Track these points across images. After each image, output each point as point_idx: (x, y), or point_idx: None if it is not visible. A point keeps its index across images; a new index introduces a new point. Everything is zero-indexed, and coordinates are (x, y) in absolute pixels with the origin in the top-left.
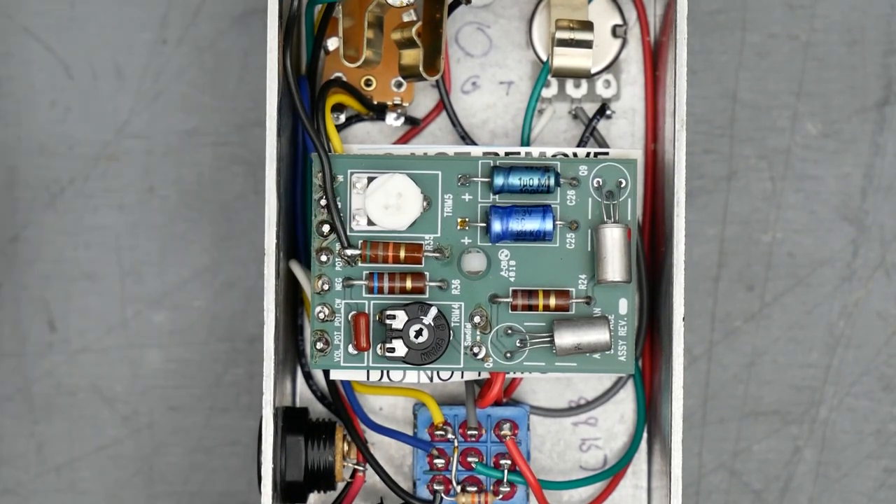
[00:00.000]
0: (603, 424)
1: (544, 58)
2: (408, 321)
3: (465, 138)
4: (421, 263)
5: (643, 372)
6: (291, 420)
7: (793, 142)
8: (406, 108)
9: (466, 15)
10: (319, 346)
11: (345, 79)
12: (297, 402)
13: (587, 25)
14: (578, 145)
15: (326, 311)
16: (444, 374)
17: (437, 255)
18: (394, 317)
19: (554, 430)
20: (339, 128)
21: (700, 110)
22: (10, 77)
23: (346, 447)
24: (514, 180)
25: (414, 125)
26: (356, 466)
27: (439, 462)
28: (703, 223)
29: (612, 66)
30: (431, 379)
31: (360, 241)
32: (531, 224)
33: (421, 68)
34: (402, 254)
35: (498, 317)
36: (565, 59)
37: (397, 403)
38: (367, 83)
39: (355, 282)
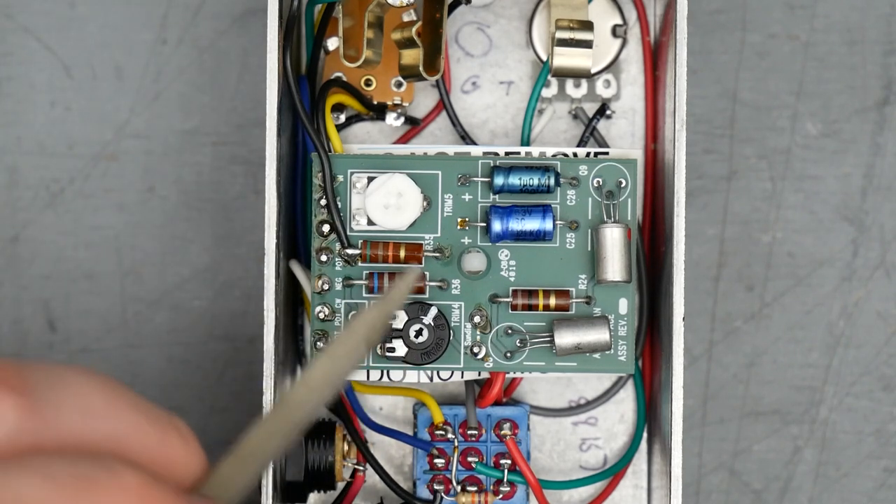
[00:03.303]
0: (603, 424)
1: (544, 58)
2: (408, 321)
3: (465, 138)
4: (421, 263)
5: (643, 372)
6: None
7: (793, 142)
8: (406, 108)
9: (466, 15)
10: (319, 345)
11: (345, 79)
12: None
13: (587, 25)
14: (578, 145)
15: (326, 311)
16: (444, 374)
17: (437, 254)
18: (394, 316)
19: (554, 429)
20: (339, 128)
21: (700, 110)
22: (10, 77)
23: (346, 447)
24: (514, 180)
25: (414, 125)
26: (356, 466)
27: (439, 462)
28: (703, 223)
29: (612, 66)
30: (431, 379)
31: (360, 241)
32: (531, 224)
33: (421, 68)
34: (402, 254)
35: (498, 317)
36: (565, 59)
37: (397, 403)
38: (367, 83)
39: (355, 282)
